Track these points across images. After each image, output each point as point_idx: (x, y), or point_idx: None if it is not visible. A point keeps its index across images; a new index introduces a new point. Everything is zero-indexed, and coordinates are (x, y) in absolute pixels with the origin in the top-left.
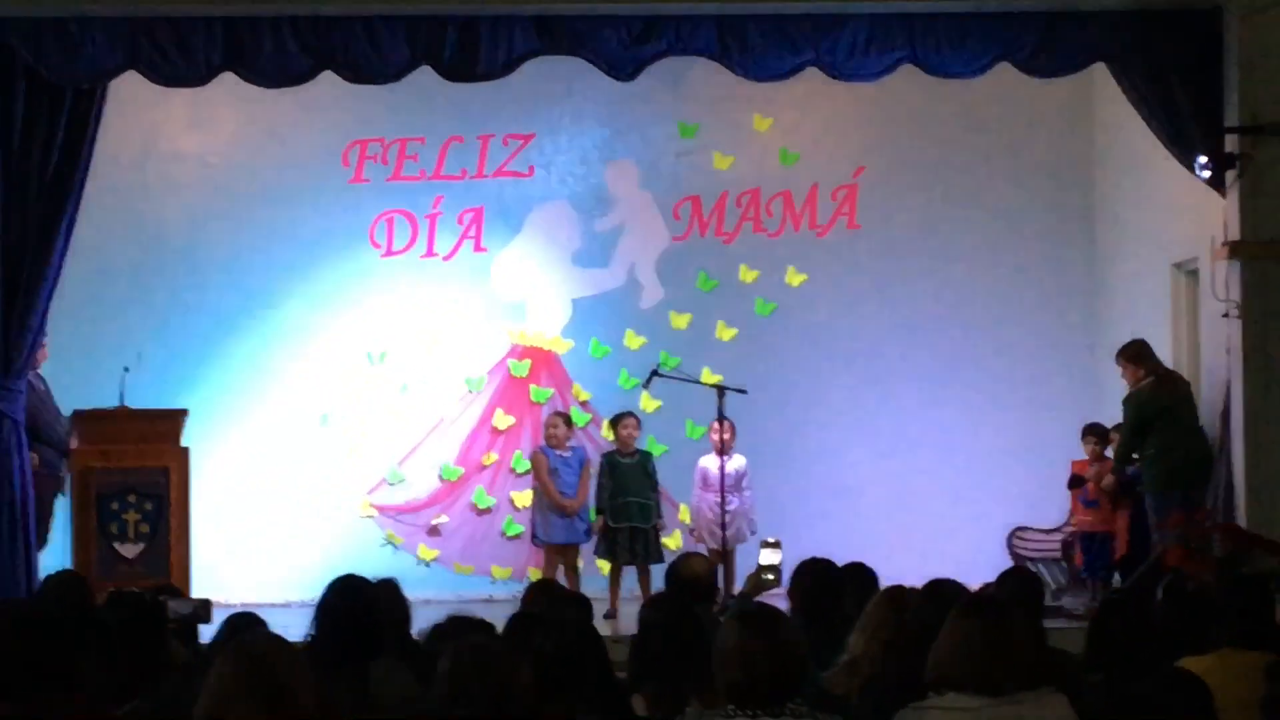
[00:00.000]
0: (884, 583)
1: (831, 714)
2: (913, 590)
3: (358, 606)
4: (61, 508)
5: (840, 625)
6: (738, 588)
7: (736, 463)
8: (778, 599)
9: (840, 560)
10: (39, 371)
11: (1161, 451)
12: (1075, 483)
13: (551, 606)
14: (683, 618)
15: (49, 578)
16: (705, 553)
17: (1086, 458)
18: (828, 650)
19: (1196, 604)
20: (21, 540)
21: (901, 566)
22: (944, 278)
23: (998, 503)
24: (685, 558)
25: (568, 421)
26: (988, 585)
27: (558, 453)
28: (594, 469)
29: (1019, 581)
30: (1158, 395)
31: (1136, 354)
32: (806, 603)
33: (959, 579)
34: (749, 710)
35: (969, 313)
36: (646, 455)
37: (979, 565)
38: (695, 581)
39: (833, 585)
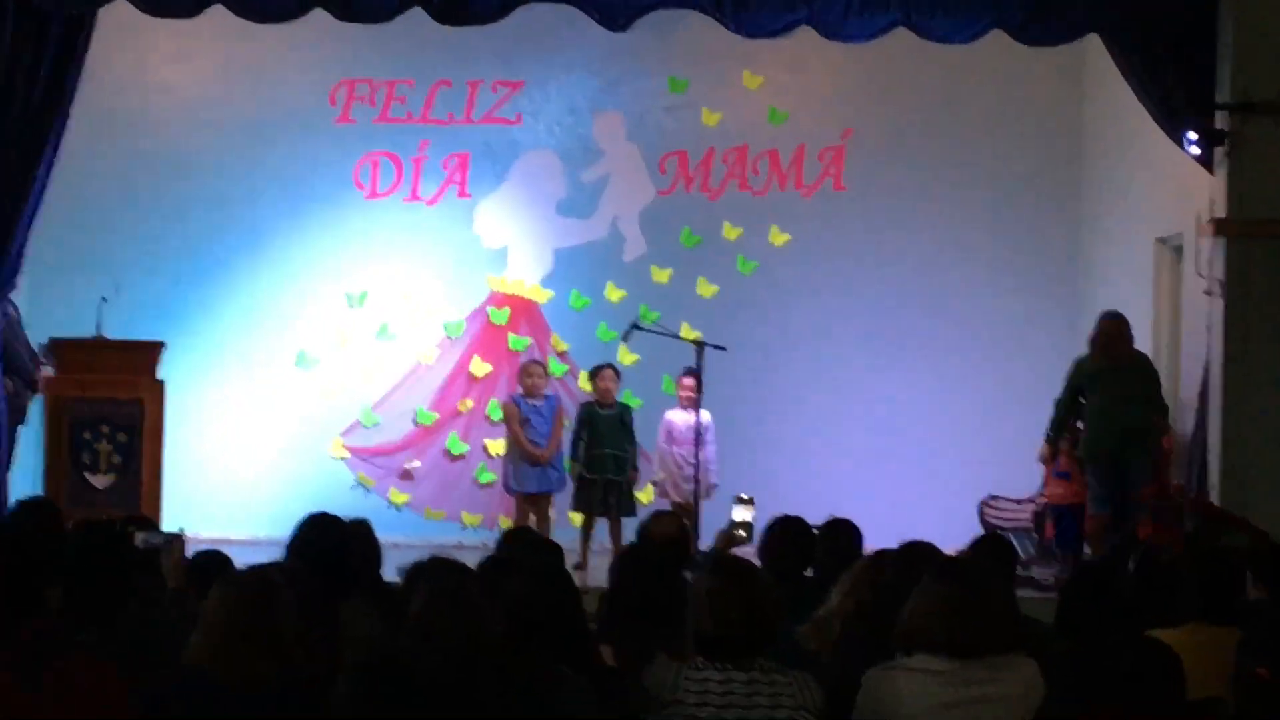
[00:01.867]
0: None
1: (802, 670)
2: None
3: (330, 545)
4: (24, 437)
5: (810, 582)
6: (704, 542)
7: (702, 417)
8: (749, 556)
9: (813, 520)
10: (11, 299)
11: (1086, 422)
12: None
13: (524, 552)
14: (653, 573)
15: (19, 503)
16: (670, 506)
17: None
18: (799, 607)
19: (1168, 577)
20: None
21: (873, 529)
22: (927, 243)
23: (970, 470)
24: (656, 516)
25: (545, 371)
26: (961, 551)
27: (530, 401)
28: (568, 419)
29: (992, 547)
30: (1085, 363)
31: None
32: (777, 559)
33: (928, 542)
34: (718, 663)
35: (950, 279)
36: (625, 408)
37: (950, 532)
38: (666, 540)
39: (803, 542)
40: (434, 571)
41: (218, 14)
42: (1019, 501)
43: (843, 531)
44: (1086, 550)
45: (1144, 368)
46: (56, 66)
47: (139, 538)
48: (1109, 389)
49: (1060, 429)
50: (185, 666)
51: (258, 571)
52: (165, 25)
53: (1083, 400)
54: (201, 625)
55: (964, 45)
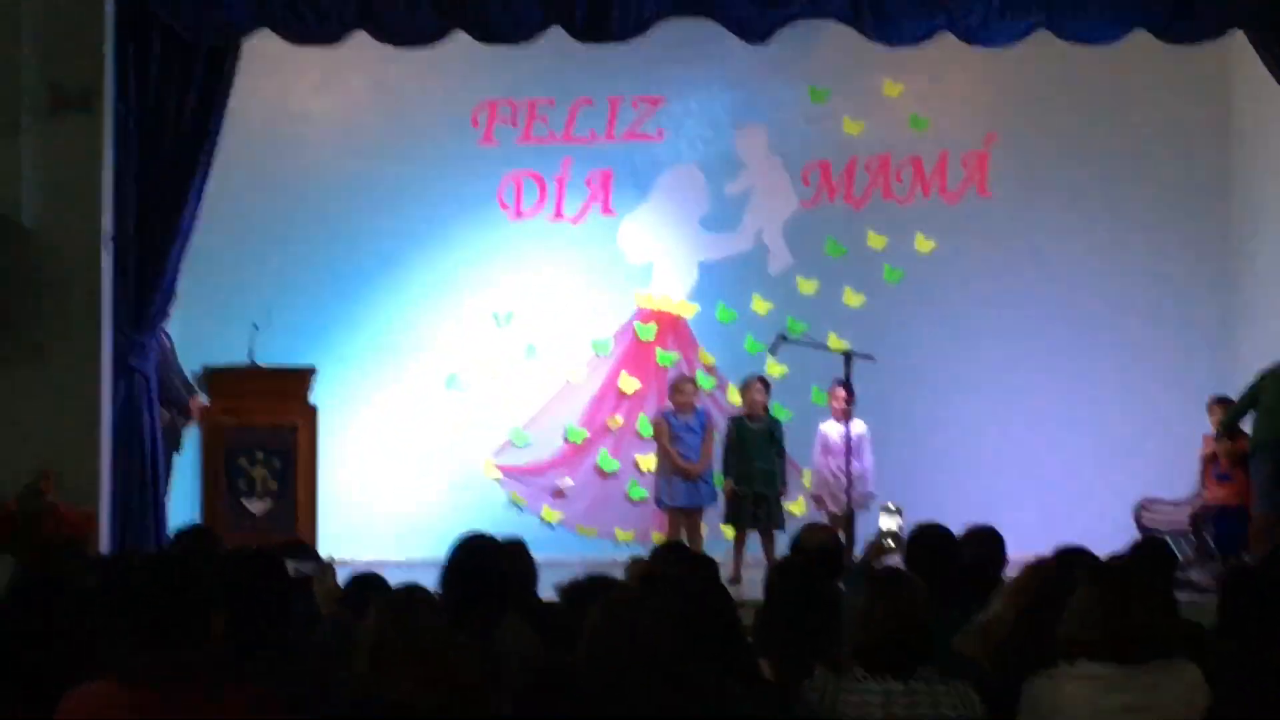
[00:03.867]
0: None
1: (960, 679)
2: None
3: (485, 565)
4: (180, 465)
5: (959, 590)
6: (858, 553)
7: (857, 428)
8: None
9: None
10: (165, 330)
11: (1258, 415)
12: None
13: (680, 567)
14: (808, 585)
15: (179, 531)
16: (826, 518)
17: (1212, 429)
18: (949, 615)
19: None
20: (151, 494)
21: (1027, 536)
22: (1075, 246)
23: (1126, 474)
24: (809, 528)
25: (695, 386)
26: (1117, 555)
27: (680, 417)
28: (719, 433)
29: (1151, 550)
30: (1268, 369)
31: None
32: (923, 567)
33: (1084, 547)
34: (878, 674)
35: (1100, 281)
36: (774, 421)
37: (1106, 536)
38: (819, 551)
39: (949, 550)
40: (594, 589)
41: (360, 40)
42: (1176, 504)
43: (985, 538)
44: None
45: None
46: (203, 98)
47: (290, 566)
48: (1268, 394)
49: (1234, 427)
50: (344, 690)
51: (412, 590)
52: (309, 53)
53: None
54: (358, 647)
55: (1107, 45)
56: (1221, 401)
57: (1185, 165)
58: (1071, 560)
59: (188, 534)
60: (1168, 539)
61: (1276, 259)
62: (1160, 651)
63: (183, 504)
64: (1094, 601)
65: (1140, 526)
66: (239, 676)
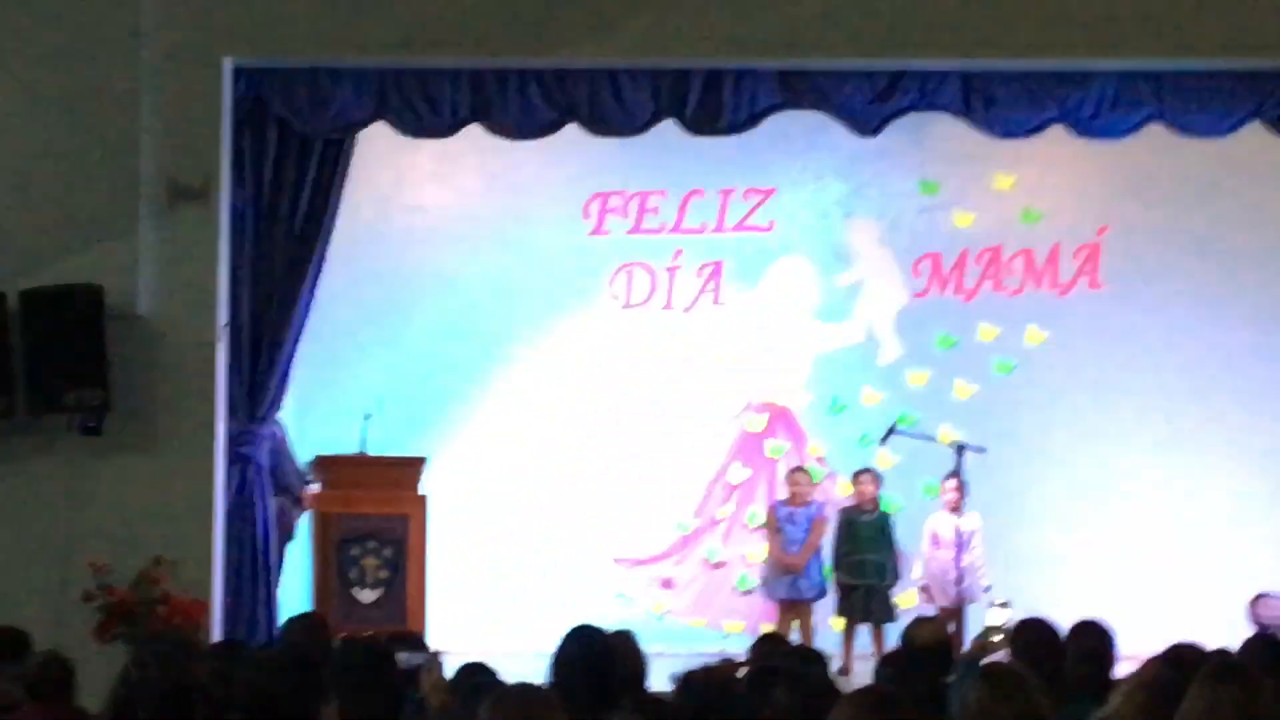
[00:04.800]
0: (1119, 646)
1: None
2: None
3: (595, 657)
4: (292, 553)
5: (1065, 685)
6: (967, 646)
7: (968, 521)
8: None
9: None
10: (278, 419)
11: None
12: None
13: (789, 660)
14: (917, 680)
15: (290, 620)
16: (936, 611)
17: None
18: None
19: None
20: (263, 583)
21: (1139, 632)
22: (1189, 340)
23: (1241, 568)
24: (918, 622)
25: (810, 479)
26: (1224, 651)
27: (788, 509)
28: (828, 525)
29: (1265, 647)
30: None
31: None
32: (1028, 662)
33: (1197, 643)
34: None
35: (1211, 373)
36: (885, 514)
37: (1218, 631)
38: (929, 646)
39: (1053, 644)
40: (718, 680)
41: (473, 132)
42: None
43: (1091, 632)
44: None
45: None
46: (318, 190)
47: (400, 657)
48: None
49: None
50: None
51: (527, 685)
52: (422, 144)
53: None
54: None
55: (1220, 138)
56: None
57: None
58: (1187, 657)
59: (299, 622)
60: None
61: None
62: None
63: (294, 593)
64: (1212, 700)
65: (1255, 623)
66: None
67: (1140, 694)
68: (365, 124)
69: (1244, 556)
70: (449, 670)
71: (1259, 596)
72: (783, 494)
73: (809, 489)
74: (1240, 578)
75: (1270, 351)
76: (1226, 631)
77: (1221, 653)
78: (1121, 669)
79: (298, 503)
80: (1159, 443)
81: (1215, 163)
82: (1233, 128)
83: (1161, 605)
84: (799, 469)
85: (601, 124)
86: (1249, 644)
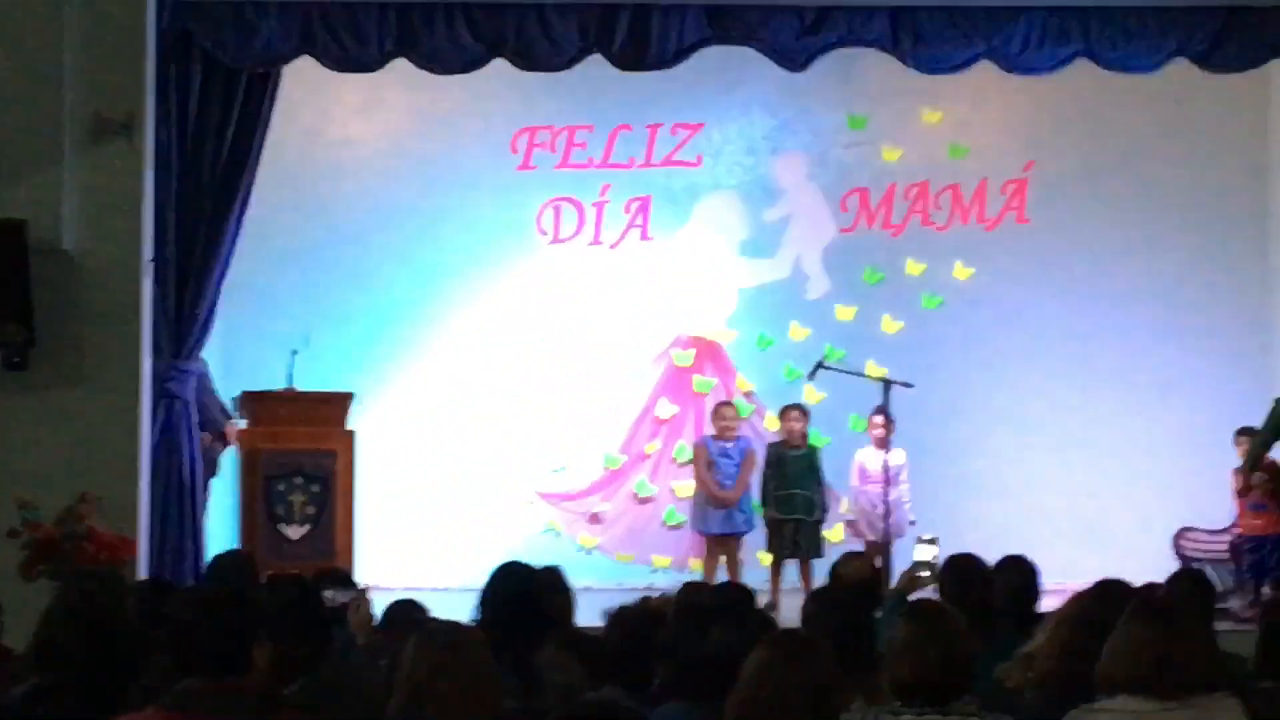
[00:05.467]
0: (1044, 580)
1: (1000, 711)
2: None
3: (523, 593)
4: (217, 489)
5: (992, 621)
6: (894, 581)
7: (895, 456)
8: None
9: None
10: (202, 356)
11: None
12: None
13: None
14: (844, 614)
15: (218, 557)
16: (864, 545)
17: (1240, 462)
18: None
19: None
20: (190, 520)
21: (1063, 565)
22: (1113, 274)
23: (1163, 502)
24: (847, 558)
25: (736, 413)
26: (1152, 585)
27: (719, 443)
28: (758, 460)
29: (1191, 584)
30: None
31: None
32: (957, 598)
33: (1124, 579)
34: (916, 707)
35: (1137, 309)
36: (813, 449)
37: (1144, 565)
38: (857, 582)
39: (982, 580)
40: (651, 619)
41: (400, 66)
42: (1214, 532)
43: (1017, 568)
44: None
45: None
46: (243, 123)
47: (326, 595)
48: None
49: (1257, 462)
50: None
51: (453, 623)
52: (348, 79)
53: None
54: (399, 679)
55: (1147, 74)
56: (1246, 433)
57: (1223, 193)
58: (1113, 593)
59: (226, 560)
60: (1206, 569)
61: None
62: (1201, 687)
63: (220, 529)
64: (1134, 637)
65: (1179, 555)
66: (280, 705)
67: (1065, 629)
68: (291, 57)
69: (1168, 489)
70: (377, 607)
71: (1182, 530)
72: (710, 429)
73: (736, 423)
74: (1164, 511)
75: (1196, 286)
76: (1153, 565)
77: (1148, 587)
78: (1047, 603)
79: (222, 439)
80: (1085, 376)
81: (1141, 98)
82: (1159, 64)
83: (1087, 539)
84: (726, 403)
85: (528, 59)
86: (1174, 578)
